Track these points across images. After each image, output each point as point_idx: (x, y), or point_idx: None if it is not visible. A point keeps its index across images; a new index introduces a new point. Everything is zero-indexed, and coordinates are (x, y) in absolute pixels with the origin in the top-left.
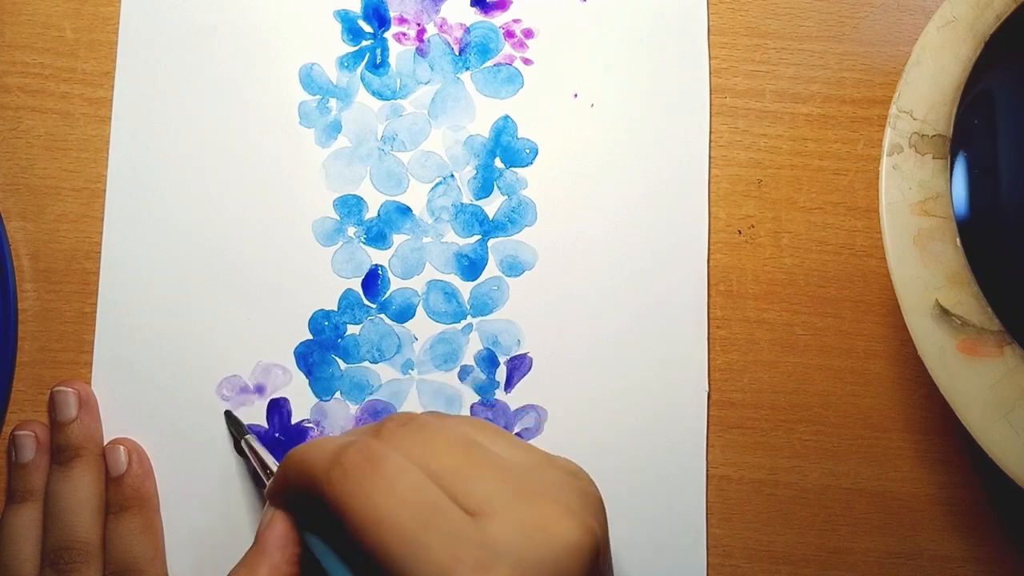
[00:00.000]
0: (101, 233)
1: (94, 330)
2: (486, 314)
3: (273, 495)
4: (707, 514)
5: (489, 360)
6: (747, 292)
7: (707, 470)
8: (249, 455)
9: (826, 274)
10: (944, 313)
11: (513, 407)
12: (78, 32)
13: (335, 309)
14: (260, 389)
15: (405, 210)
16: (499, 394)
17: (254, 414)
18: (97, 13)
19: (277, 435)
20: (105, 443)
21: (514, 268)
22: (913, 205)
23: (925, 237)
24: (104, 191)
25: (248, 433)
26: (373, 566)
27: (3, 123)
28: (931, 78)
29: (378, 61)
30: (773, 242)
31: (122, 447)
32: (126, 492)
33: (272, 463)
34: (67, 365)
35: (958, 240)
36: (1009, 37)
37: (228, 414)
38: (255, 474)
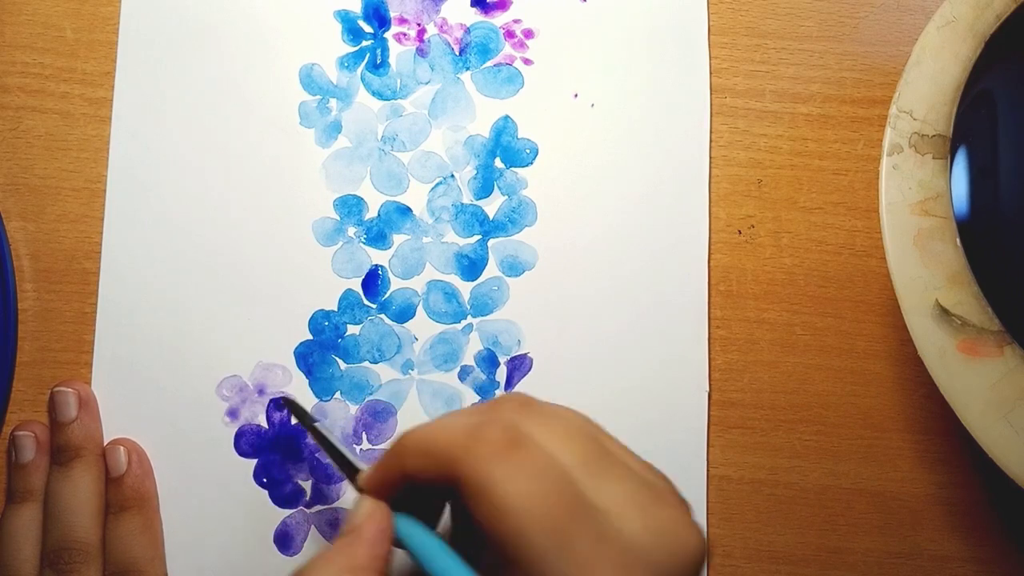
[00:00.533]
0: (101, 233)
1: (94, 330)
2: (486, 314)
3: (376, 484)
4: (707, 514)
5: (489, 360)
6: (747, 292)
7: (707, 470)
8: (318, 442)
9: (826, 274)
10: (944, 313)
11: None
12: (78, 32)
13: (335, 309)
14: (260, 389)
15: (405, 210)
16: (499, 394)
17: (254, 414)
18: (97, 13)
19: (277, 435)
20: (105, 443)
21: (514, 268)
22: (913, 205)
23: (925, 237)
24: (104, 191)
25: (316, 420)
26: (499, 555)
27: (3, 123)
28: (931, 78)
29: (378, 61)
30: (773, 242)
31: (122, 447)
32: (126, 492)
33: (346, 450)
34: (67, 365)
35: (958, 240)
36: (1009, 37)
37: (288, 401)
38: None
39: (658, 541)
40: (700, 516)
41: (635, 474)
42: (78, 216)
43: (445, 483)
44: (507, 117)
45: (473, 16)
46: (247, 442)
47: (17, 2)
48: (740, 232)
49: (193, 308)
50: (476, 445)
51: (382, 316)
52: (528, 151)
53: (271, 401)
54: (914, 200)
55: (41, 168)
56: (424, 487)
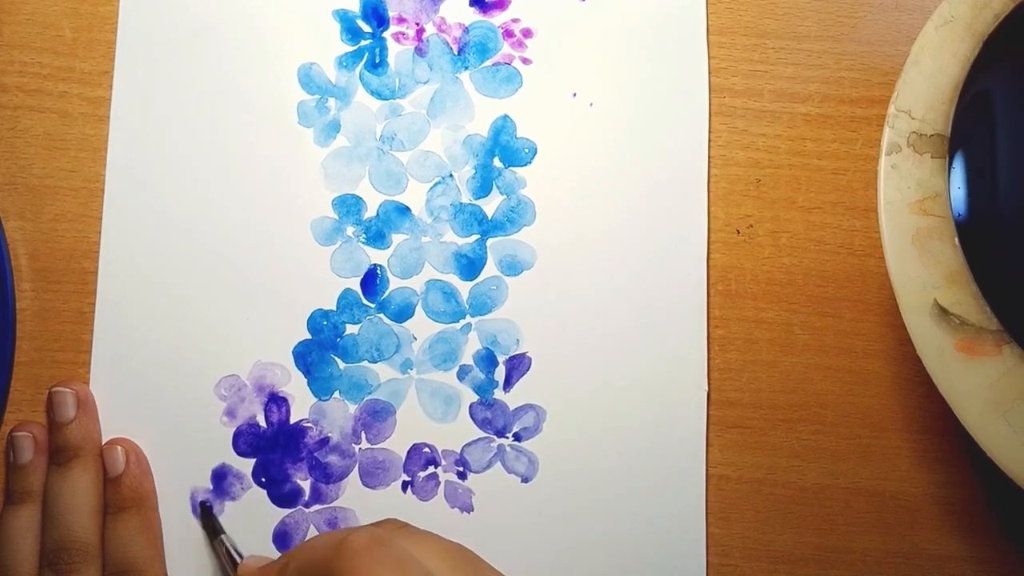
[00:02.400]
0: (100, 232)
1: (92, 330)
2: (485, 314)
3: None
4: (706, 514)
5: (488, 359)
6: (746, 292)
7: (706, 470)
8: (219, 554)
9: (825, 273)
10: (942, 312)
11: (512, 406)
12: (76, 31)
13: (334, 309)
14: (259, 389)
15: (404, 210)
16: (498, 393)
17: (252, 414)
18: (95, 12)
19: (276, 434)
20: (103, 443)
21: (513, 268)
22: (912, 204)
23: (923, 236)
24: (102, 191)
25: (223, 532)
26: None
27: (1, 122)
28: (929, 77)
29: (377, 61)
30: (772, 242)
31: (120, 447)
32: (124, 492)
33: (239, 560)
34: (65, 365)
35: (956, 239)
36: (1007, 37)
37: (204, 507)
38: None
39: None
40: (699, 515)
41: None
42: (76, 215)
43: None
44: (506, 116)
45: (472, 15)
46: (245, 442)
47: (16, 1)
48: (738, 232)
49: (191, 307)
50: (343, 546)
51: (381, 315)
52: (527, 150)
53: (269, 401)
54: (912, 199)
55: (39, 167)
56: None
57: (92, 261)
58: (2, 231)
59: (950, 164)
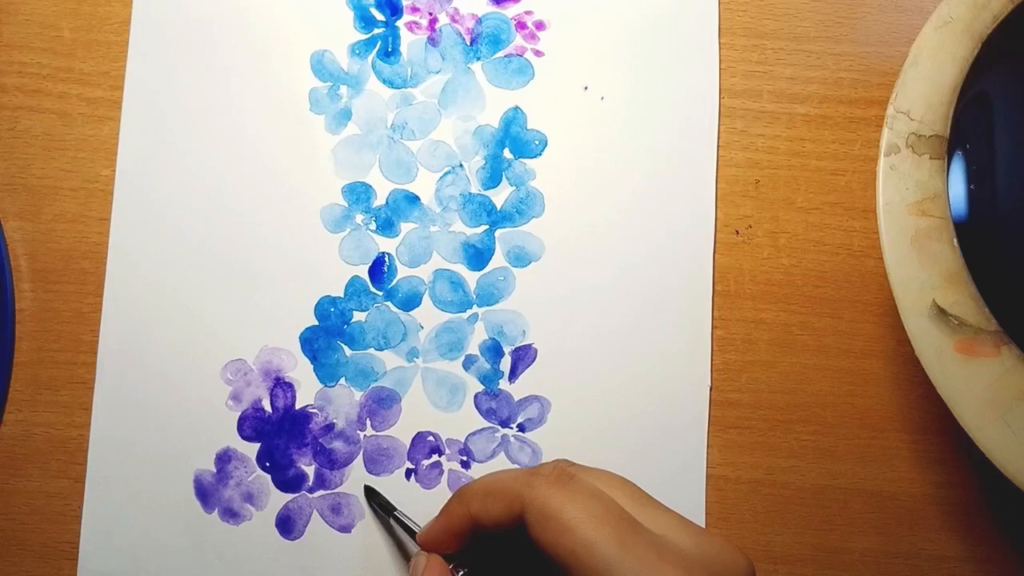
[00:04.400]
0: (99, 233)
1: (92, 329)
2: (492, 304)
3: (435, 537)
4: (705, 514)
5: (494, 350)
6: (745, 292)
7: (705, 469)
8: (397, 529)
9: (824, 274)
10: (941, 313)
11: (517, 397)
12: (76, 32)
13: (342, 296)
14: (265, 374)
15: (413, 198)
16: (503, 384)
17: (258, 398)
18: (95, 13)
19: (281, 419)
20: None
21: (521, 259)
22: (910, 205)
23: (922, 237)
24: (101, 191)
25: (395, 510)
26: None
27: (1, 123)
28: (928, 79)
29: (389, 49)
30: (771, 242)
31: None
32: None
33: (416, 527)
34: (64, 365)
35: (955, 240)
36: (1006, 38)
37: (369, 490)
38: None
39: (712, 558)
40: (699, 514)
41: (678, 514)
42: (76, 216)
43: (507, 521)
44: (517, 108)
45: (485, 6)
46: (250, 426)
47: (15, 2)
48: (738, 232)
49: (200, 292)
50: (534, 478)
51: (388, 304)
52: (537, 142)
53: (275, 386)
54: (911, 200)
55: (39, 168)
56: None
57: (92, 261)
58: (2, 231)
59: (949, 165)
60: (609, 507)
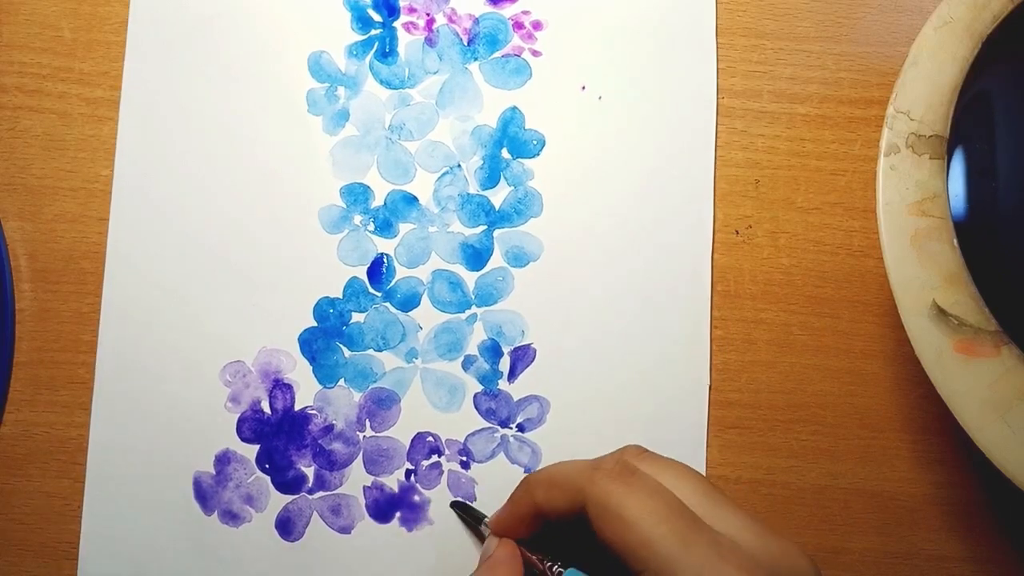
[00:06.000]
0: (99, 233)
1: (92, 330)
2: (491, 304)
3: (504, 524)
4: None
5: (493, 350)
6: (744, 292)
7: (705, 470)
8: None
9: (823, 274)
10: (941, 313)
11: (516, 397)
12: (76, 32)
13: (340, 297)
14: (263, 375)
15: (411, 199)
16: (502, 384)
17: (257, 400)
18: (95, 13)
19: (280, 421)
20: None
21: (519, 259)
22: (910, 205)
23: (922, 237)
24: (101, 191)
25: (485, 516)
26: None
27: (1, 123)
28: (928, 79)
29: (387, 50)
30: (771, 242)
31: None
32: None
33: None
34: (64, 365)
35: (955, 240)
36: (1006, 38)
37: (458, 503)
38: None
39: (776, 560)
40: None
41: (744, 512)
42: (76, 216)
43: (569, 512)
44: (514, 108)
45: (482, 7)
46: (249, 428)
47: (15, 2)
48: (737, 232)
49: (198, 293)
50: (596, 472)
51: (387, 304)
52: (535, 142)
53: (274, 388)
54: (911, 200)
55: (39, 168)
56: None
57: (92, 261)
58: (1, 231)
59: (949, 165)
60: (671, 504)
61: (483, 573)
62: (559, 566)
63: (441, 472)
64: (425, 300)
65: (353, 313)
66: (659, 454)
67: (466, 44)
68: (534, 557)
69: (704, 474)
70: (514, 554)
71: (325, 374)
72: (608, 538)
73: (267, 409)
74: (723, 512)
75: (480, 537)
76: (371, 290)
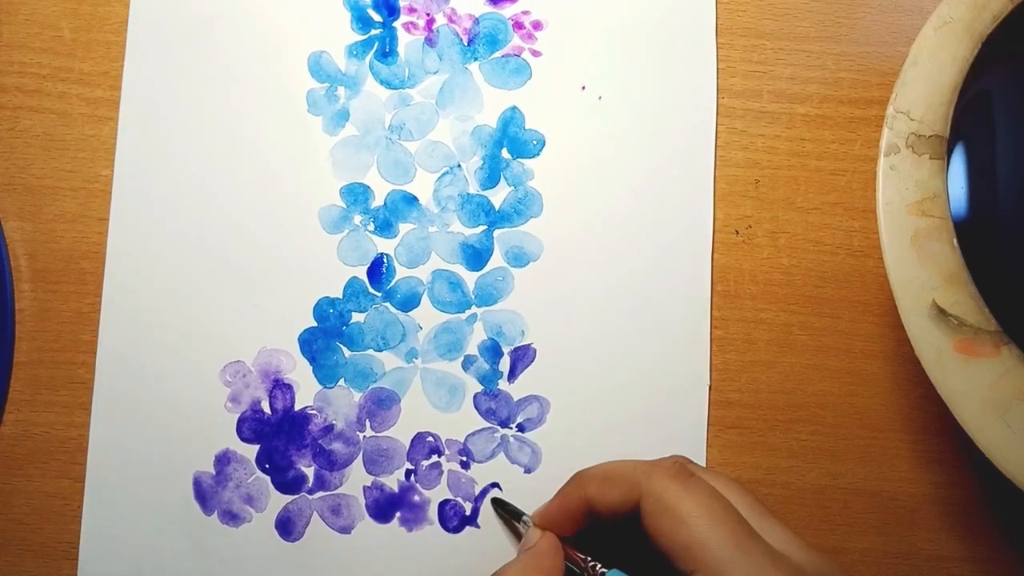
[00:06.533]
0: (99, 233)
1: (92, 330)
2: (491, 304)
3: (550, 518)
4: None
5: (493, 350)
6: (744, 292)
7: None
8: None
9: (823, 274)
10: (941, 313)
11: (516, 397)
12: (76, 32)
13: (340, 297)
14: (263, 375)
15: (411, 199)
16: (502, 384)
17: (257, 400)
18: (95, 13)
19: (280, 421)
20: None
21: (519, 259)
22: (910, 205)
23: (922, 237)
24: (101, 191)
25: (524, 513)
26: (678, 568)
27: (1, 123)
28: (928, 79)
29: (387, 50)
30: (771, 242)
31: None
32: None
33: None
34: (64, 365)
35: (955, 240)
36: (1006, 38)
37: (496, 500)
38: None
39: (822, 573)
40: None
41: (787, 527)
42: (76, 216)
43: (622, 507)
44: (514, 108)
45: (482, 7)
46: (249, 428)
47: (15, 2)
48: (737, 232)
49: (198, 293)
50: (654, 469)
51: (387, 304)
52: (535, 142)
53: (274, 388)
54: (911, 200)
55: (38, 168)
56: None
57: (91, 261)
58: (1, 231)
59: (949, 165)
60: (727, 509)
61: (525, 560)
62: (602, 567)
63: (441, 472)
64: (425, 300)
65: (353, 313)
66: (703, 466)
67: (466, 44)
68: (577, 554)
69: None
70: (557, 547)
71: (325, 374)
72: (662, 533)
73: (267, 409)
74: (769, 524)
75: (517, 535)
76: (371, 290)
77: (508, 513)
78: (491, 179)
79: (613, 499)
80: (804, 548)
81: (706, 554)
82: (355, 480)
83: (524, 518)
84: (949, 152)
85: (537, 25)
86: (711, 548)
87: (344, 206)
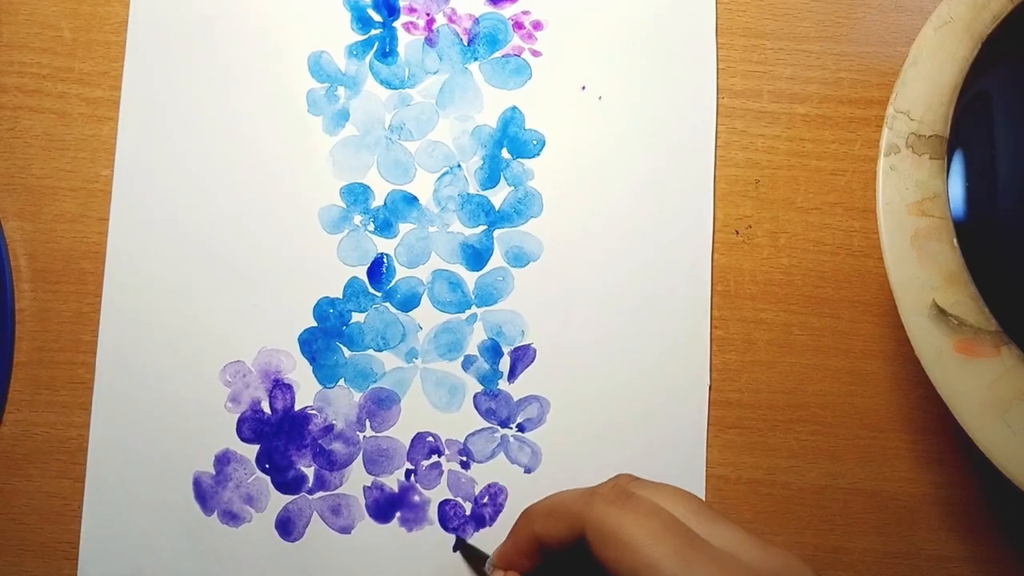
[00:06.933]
0: (99, 233)
1: (92, 329)
2: (491, 304)
3: (504, 560)
4: None
5: (493, 350)
6: (744, 292)
7: (705, 469)
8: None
9: (823, 274)
10: (941, 313)
11: (516, 397)
12: (76, 32)
13: (340, 297)
14: (263, 375)
15: (411, 199)
16: (502, 384)
17: (257, 400)
18: (95, 13)
19: (280, 421)
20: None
21: (519, 259)
22: (910, 205)
23: (922, 237)
24: (101, 191)
25: (488, 556)
26: None
27: (1, 123)
28: (928, 79)
29: (387, 50)
30: (771, 242)
31: None
32: None
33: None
34: (64, 365)
35: (955, 240)
36: (1006, 38)
37: (460, 541)
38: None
39: (777, 571)
40: None
41: (740, 527)
42: (76, 216)
43: (569, 539)
44: (514, 108)
45: (482, 7)
46: (249, 428)
47: (15, 2)
48: (737, 232)
49: (198, 293)
50: (594, 498)
51: (387, 304)
52: (535, 142)
53: (274, 388)
54: (911, 200)
55: (38, 168)
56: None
57: (91, 261)
58: (1, 231)
59: (949, 165)
60: (668, 523)
61: None
62: None
63: (441, 472)
64: (425, 300)
65: (353, 313)
66: (649, 480)
67: (466, 44)
68: None
69: (703, 480)
70: None
71: (325, 374)
72: (609, 561)
73: (267, 409)
74: (719, 528)
75: (480, 573)
76: (371, 290)
77: (474, 556)
78: (491, 179)
79: (560, 533)
80: (758, 546)
81: (655, 574)
82: (355, 480)
83: (489, 561)
84: (949, 152)
85: (537, 25)
86: (658, 567)
87: (344, 206)
